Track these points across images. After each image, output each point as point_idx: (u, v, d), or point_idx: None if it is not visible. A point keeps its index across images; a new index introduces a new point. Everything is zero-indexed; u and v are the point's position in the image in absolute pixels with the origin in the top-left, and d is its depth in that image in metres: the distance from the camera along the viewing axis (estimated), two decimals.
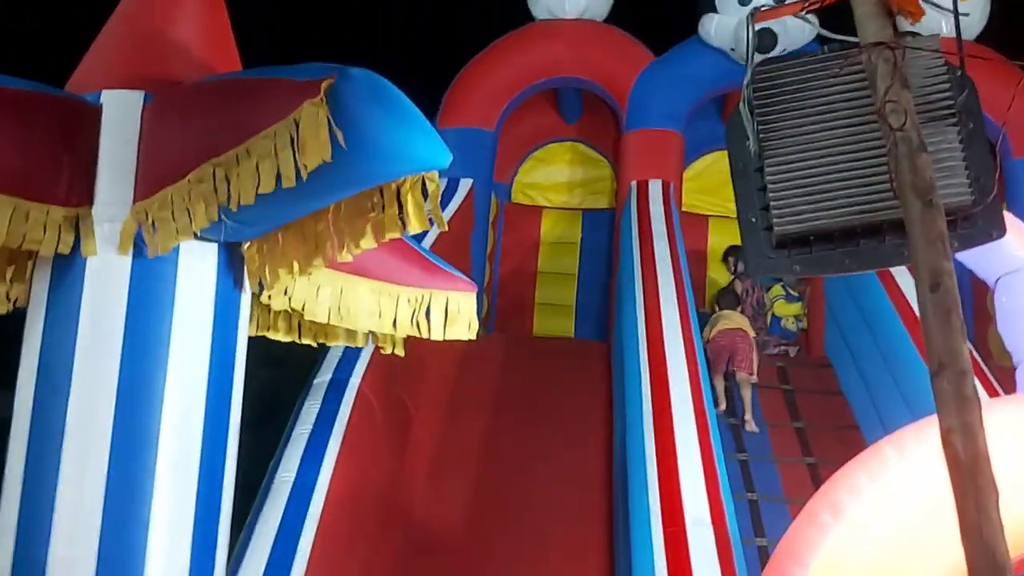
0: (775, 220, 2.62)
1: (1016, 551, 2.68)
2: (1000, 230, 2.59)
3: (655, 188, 8.71)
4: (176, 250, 3.11)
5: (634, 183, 8.85)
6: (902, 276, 6.77)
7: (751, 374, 7.52)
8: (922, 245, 2.25)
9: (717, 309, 7.99)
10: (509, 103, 9.23)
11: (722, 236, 9.56)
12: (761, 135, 2.62)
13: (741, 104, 2.63)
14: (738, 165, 2.70)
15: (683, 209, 9.20)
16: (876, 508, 3.54)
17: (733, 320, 7.71)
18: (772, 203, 2.62)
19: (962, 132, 2.56)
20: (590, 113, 9.85)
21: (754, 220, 2.69)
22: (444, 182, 8.53)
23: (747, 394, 7.45)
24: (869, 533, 3.52)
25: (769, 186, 2.63)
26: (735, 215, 2.78)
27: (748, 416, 7.37)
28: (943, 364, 2.25)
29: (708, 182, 9.77)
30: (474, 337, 3.98)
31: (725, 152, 2.84)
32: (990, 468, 2.23)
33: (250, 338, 3.72)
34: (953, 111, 2.55)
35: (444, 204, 8.17)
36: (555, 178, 9.97)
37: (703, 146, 9.63)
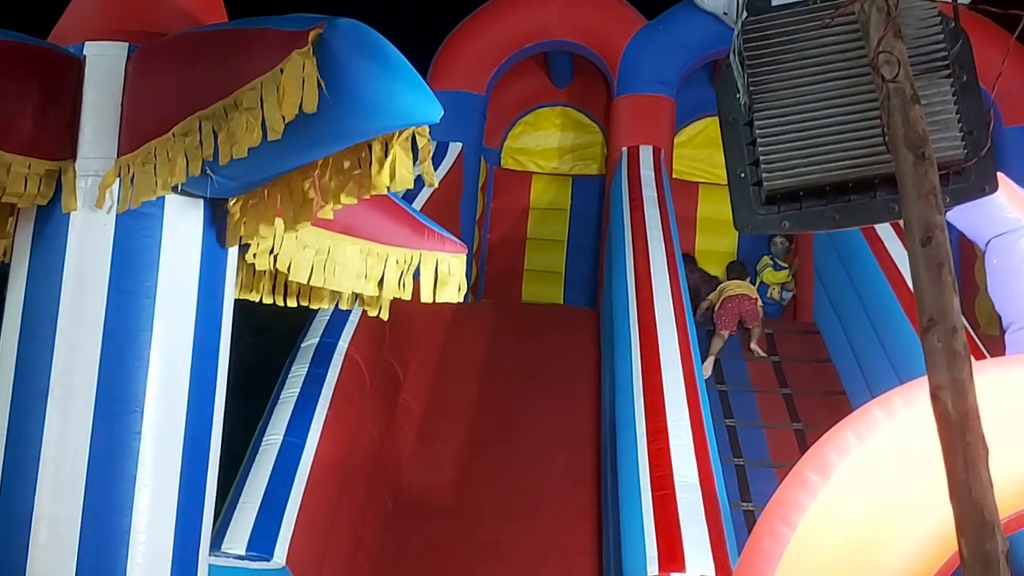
0: (765, 175, 2.58)
1: (1004, 511, 2.68)
2: (992, 184, 2.55)
3: (646, 154, 8.66)
4: (161, 206, 3.06)
5: (625, 149, 8.80)
6: (891, 241, 6.76)
7: (758, 321, 8.30)
8: (914, 198, 2.22)
9: (726, 278, 8.55)
10: (499, 66, 9.15)
11: (713, 203, 9.54)
12: (752, 87, 2.57)
13: (731, 55, 2.58)
14: (728, 118, 2.66)
15: (674, 175, 9.16)
16: (864, 468, 3.55)
17: (740, 287, 8.35)
18: (762, 157, 2.57)
19: (955, 85, 2.52)
20: (581, 78, 9.77)
21: (743, 175, 2.64)
22: (433, 145, 8.44)
23: (756, 331, 8.15)
24: (856, 493, 3.53)
25: (759, 140, 2.58)
26: (726, 182, 2.75)
27: (754, 344, 8.07)
28: (933, 320, 2.23)
29: (699, 148, 9.72)
30: (462, 299, 3.95)
31: (717, 118, 2.80)
32: (980, 425, 2.21)
33: (236, 305, 3.68)
34: (947, 63, 2.51)
35: (433, 168, 8.08)
36: (545, 143, 9.90)
37: (694, 112, 9.56)
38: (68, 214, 3.04)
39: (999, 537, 2.20)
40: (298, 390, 5.28)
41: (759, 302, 8.37)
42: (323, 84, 2.56)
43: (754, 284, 9.04)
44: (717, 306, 8.18)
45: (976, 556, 2.18)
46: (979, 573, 2.16)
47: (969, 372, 2.26)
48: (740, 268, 8.74)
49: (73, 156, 3.05)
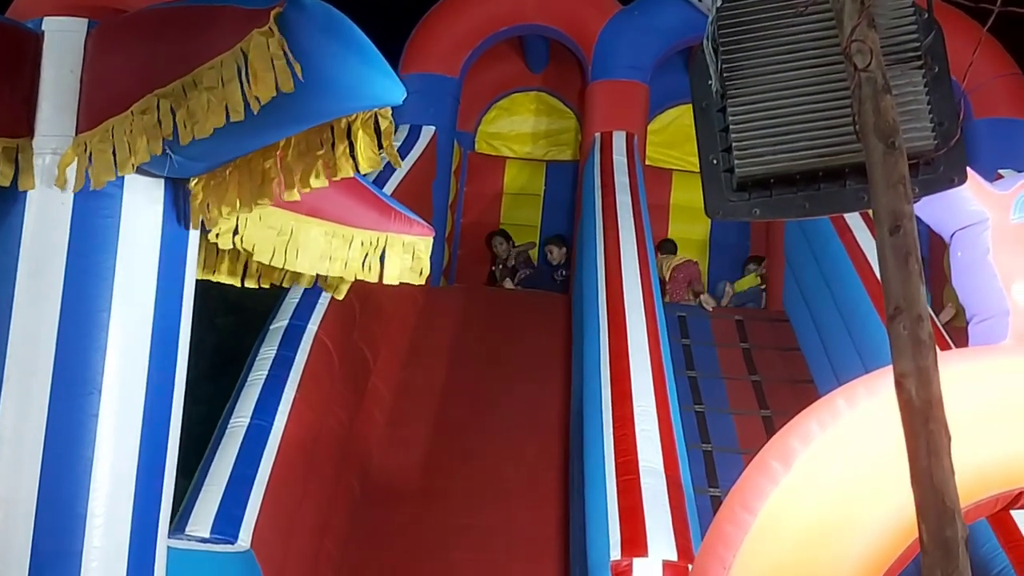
0: (736, 162, 2.57)
1: (965, 500, 2.70)
2: (962, 176, 2.56)
3: (619, 140, 8.66)
4: (120, 185, 3.00)
5: (598, 134, 8.79)
6: (861, 232, 6.80)
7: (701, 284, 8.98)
8: (883, 187, 2.21)
9: (659, 254, 8.88)
10: (474, 50, 9.10)
11: (686, 191, 9.56)
12: (724, 74, 2.56)
13: (705, 41, 2.57)
14: (700, 104, 2.65)
15: (647, 163, 9.17)
16: (825, 456, 3.57)
17: (681, 257, 8.98)
18: (734, 144, 2.57)
19: (927, 75, 2.53)
20: (556, 63, 9.74)
21: (715, 162, 2.64)
22: (407, 129, 8.41)
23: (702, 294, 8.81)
24: (818, 480, 3.55)
25: (731, 127, 2.58)
26: (699, 169, 2.74)
27: (705, 298, 8.65)
28: (899, 308, 2.23)
29: (673, 136, 9.74)
30: (424, 282, 3.91)
31: (691, 106, 2.79)
32: (943, 413, 2.21)
33: (209, 286, 3.63)
34: (919, 53, 2.52)
35: (406, 151, 8.07)
36: (519, 128, 9.89)
37: (669, 99, 9.58)
38: (24, 193, 2.97)
39: (959, 524, 2.21)
40: (266, 372, 5.24)
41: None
42: (297, 67, 2.52)
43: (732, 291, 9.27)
44: (667, 279, 8.67)
45: (936, 542, 2.18)
46: (939, 559, 2.16)
47: (934, 360, 2.26)
48: (672, 244, 9.24)
49: (30, 134, 2.98)
